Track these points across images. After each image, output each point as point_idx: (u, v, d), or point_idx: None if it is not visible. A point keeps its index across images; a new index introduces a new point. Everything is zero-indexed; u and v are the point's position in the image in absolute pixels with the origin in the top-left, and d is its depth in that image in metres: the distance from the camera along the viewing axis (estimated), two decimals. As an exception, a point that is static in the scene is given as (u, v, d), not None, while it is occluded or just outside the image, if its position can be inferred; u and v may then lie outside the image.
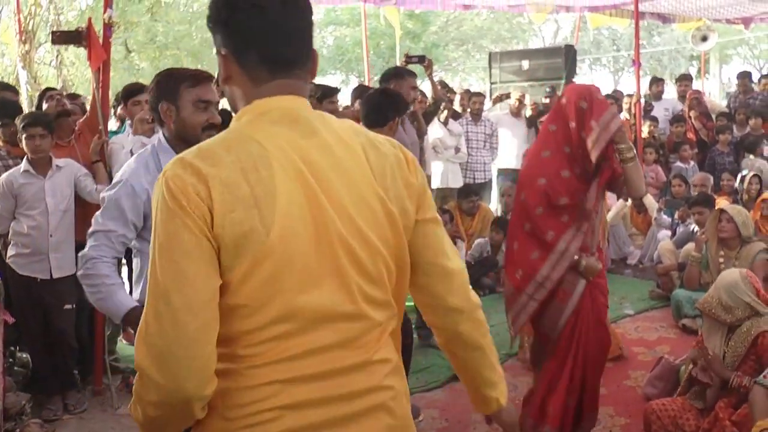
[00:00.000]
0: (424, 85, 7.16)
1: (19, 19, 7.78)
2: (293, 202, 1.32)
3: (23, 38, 8.15)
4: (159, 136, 2.69)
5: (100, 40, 4.35)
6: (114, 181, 2.64)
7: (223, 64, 1.44)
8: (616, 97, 9.18)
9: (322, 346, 1.34)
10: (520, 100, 8.18)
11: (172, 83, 2.55)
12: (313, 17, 1.49)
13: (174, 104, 2.54)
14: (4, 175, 4.21)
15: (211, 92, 2.59)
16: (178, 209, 1.27)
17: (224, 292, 1.30)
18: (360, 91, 5.83)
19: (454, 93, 8.24)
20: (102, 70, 4.38)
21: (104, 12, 4.40)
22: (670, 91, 10.43)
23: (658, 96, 9.14)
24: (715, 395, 3.32)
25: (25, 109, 7.29)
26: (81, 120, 4.84)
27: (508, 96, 8.44)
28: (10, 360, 4.44)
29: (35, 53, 10.90)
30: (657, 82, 9.35)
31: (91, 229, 2.52)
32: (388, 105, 3.80)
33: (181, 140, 2.53)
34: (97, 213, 2.54)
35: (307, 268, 1.33)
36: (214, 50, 1.46)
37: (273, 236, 1.29)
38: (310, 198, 1.34)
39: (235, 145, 1.33)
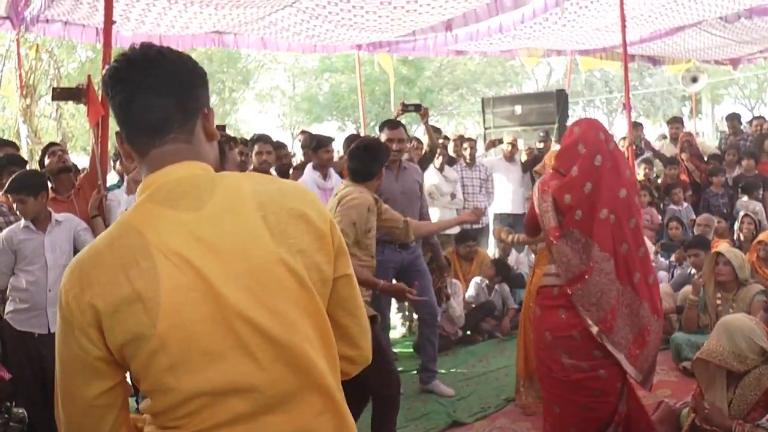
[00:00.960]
0: (419, 132, 7.24)
1: (20, 74, 7.87)
2: (179, 287, 1.32)
3: (24, 93, 8.22)
4: None
5: (99, 96, 4.42)
6: None
7: (119, 143, 1.48)
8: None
9: (238, 415, 1.36)
10: (513, 144, 8.27)
11: None
12: (196, 73, 1.47)
13: None
14: (5, 231, 4.24)
15: None
16: (65, 324, 1.38)
17: (138, 380, 1.38)
18: (351, 141, 5.92)
19: (447, 139, 8.32)
20: (101, 125, 4.44)
21: (102, 68, 4.48)
22: (653, 133, 10.54)
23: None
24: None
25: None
26: (81, 175, 4.89)
27: (501, 141, 8.52)
28: (6, 416, 4.39)
29: (36, 106, 10.99)
30: (636, 127, 9.46)
31: None
32: (370, 159, 3.87)
33: None
34: None
35: (209, 346, 1.33)
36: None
37: (161, 327, 1.31)
38: (198, 279, 1.33)
39: (116, 240, 1.36)
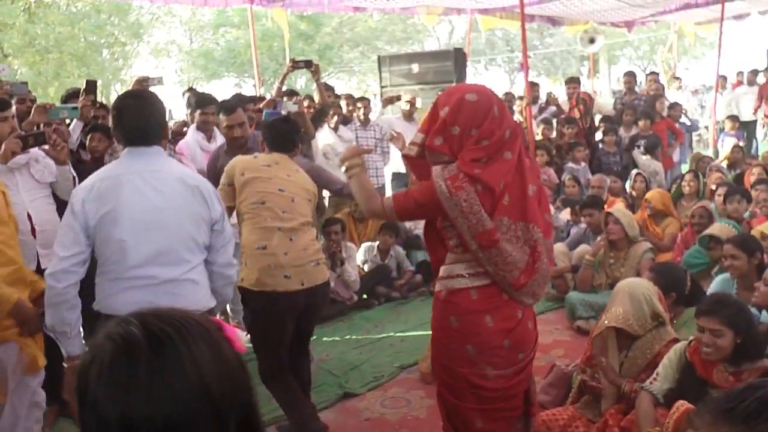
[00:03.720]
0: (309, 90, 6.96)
1: None
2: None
3: None
4: None
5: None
6: None
7: None
8: (508, 99, 9.26)
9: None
10: (412, 103, 8.09)
11: None
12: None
13: None
14: None
15: None
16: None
17: None
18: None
19: (339, 98, 8.05)
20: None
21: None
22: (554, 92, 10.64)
23: (534, 101, 9.26)
24: (608, 406, 3.27)
25: None
26: None
27: (398, 98, 8.31)
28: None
29: None
30: (533, 86, 9.50)
31: None
32: (294, 132, 3.97)
33: None
34: None
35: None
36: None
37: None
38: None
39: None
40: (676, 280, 3.90)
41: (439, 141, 2.59)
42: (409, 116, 8.13)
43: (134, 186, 2.60)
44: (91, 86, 4.99)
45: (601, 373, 3.37)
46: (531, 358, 2.75)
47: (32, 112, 4.53)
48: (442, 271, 2.72)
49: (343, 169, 2.84)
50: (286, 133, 3.94)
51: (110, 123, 4.67)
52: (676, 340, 3.27)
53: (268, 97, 6.62)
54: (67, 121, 4.71)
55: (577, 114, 8.94)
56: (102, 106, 5.57)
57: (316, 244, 3.75)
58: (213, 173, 4.27)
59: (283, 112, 5.28)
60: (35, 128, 4.19)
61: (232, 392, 1.05)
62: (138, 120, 2.66)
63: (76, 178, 4.09)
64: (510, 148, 2.60)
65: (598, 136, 9.05)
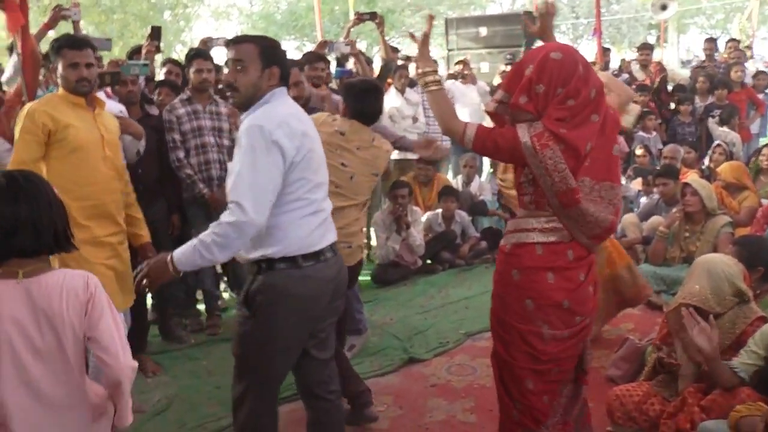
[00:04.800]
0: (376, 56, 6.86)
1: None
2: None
3: (-52, 0, 7.52)
4: None
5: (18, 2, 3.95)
6: None
7: None
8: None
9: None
10: (465, 63, 7.97)
11: None
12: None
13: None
14: None
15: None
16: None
17: None
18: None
19: (409, 59, 7.95)
20: (21, 36, 3.98)
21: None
22: (615, 61, 10.27)
23: (605, 67, 8.95)
24: (686, 385, 3.14)
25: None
26: (12, 91, 4.45)
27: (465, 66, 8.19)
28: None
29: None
30: (604, 52, 9.17)
31: None
32: (379, 103, 3.77)
33: None
34: None
35: None
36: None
37: None
38: None
39: None
40: (763, 254, 3.72)
41: (524, 99, 2.56)
42: (464, 79, 8.02)
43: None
44: (156, 32, 5.08)
45: (682, 350, 3.24)
46: (588, 323, 2.73)
47: (105, 67, 4.60)
48: (510, 225, 2.76)
49: (419, 80, 2.79)
50: (371, 104, 3.68)
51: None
52: (763, 319, 3.11)
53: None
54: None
55: (648, 82, 8.60)
56: (175, 62, 5.60)
57: (354, 226, 3.61)
58: None
59: (335, 55, 5.19)
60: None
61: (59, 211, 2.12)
62: None
63: (141, 153, 4.26)
64: (596, 110, 2.57)
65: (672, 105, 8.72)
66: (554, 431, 2.75)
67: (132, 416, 2.18)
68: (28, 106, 3.37)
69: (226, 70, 2.75)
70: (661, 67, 8.96)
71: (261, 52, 2.59)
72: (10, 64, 4.66)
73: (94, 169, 3.35)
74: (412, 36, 2.88)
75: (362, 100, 3.66)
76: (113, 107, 4.13)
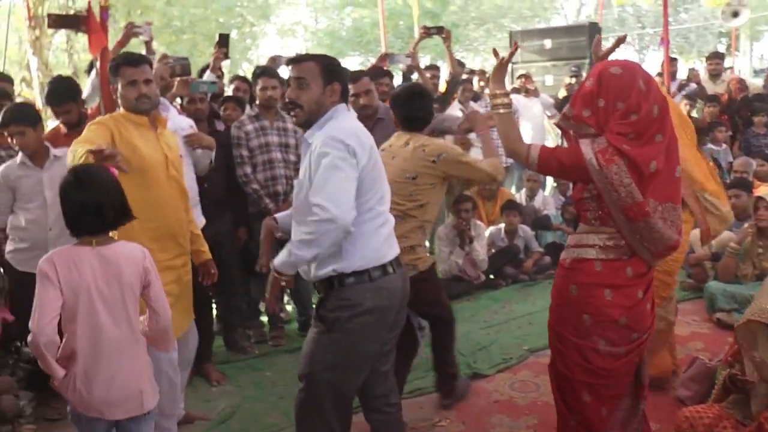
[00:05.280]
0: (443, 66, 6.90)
1: (27, 5, 7.59)
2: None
3: (32, 24, 7.94)
4: None
5: (100, 25, 4.15)
6: None
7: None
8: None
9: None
10: (527, 77, 7.91)
11: None
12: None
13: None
14: (1, 167, 4.05)
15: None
16: None
17: None
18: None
19: (473, 73, 7.97)
20: (101, 57, 4.17)
21: (104, -6, 4.19)
22: (682, 71, 9.98)
23: (672, 76, 8.72)
24: (760, 406, 3.03)
25: (37, 97, 7.13)
26: (94, 108, 4.66)
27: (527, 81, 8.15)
28: (15, 356, 4.31)
29: (50, 39, 10.71)
30: (672, 62, 8.93)
31: None
32: (421, 106, 3.70)
33: None
34: None
35: None
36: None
37: None
38: None
39: None
40: None
41: (586, 113, 2.60)
42: (526, 93, 7.99)
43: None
44: (224, 39, 5.18)
45: (754, 369, 3.13)
46: (645, 339, 2.74)
47: (175, 85, 4.75)
48: (571, 239, 2.79)
49: (491, 101, 2.84)
50: (415, 109, 3.65)
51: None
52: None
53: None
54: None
55: (726, 96, 8.31)
56: (243, 79, 5.75)
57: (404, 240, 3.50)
58: None
59: (397, 67, 5.21)
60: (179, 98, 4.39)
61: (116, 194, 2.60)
62: None
63: (213, 161, 4.36)
64: (660, 129, 2.58)
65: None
66: None
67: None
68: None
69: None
70: (742, 85, 8.61)
71: (322, 70, 2.66)
72: (89, 82, 4.86)
73: (158, 190, 3.29)
74: (495, 53, 2.90)
75: (407, 106, 3.66)
76: (183, 122, 4.26)
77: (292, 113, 2.73)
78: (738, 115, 8.20)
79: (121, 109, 3.37)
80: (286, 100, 2.74)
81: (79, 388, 2.55)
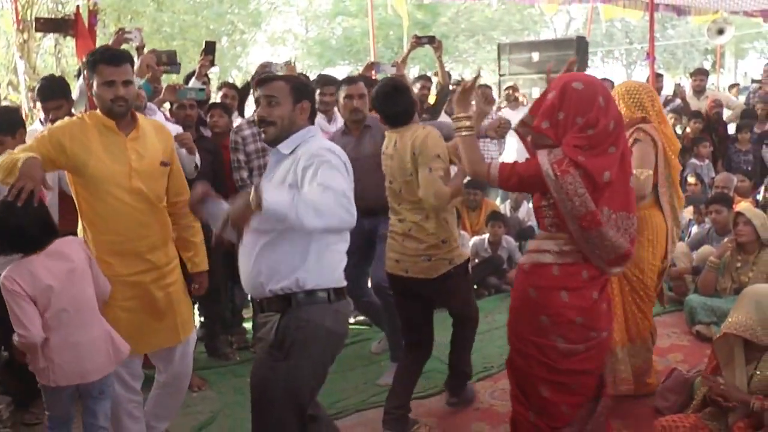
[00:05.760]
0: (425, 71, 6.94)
1: (15, 8, 7.59)
2: None
3: (20, 27, 7.93)
4: None
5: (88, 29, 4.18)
6: None
7: None
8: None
9: None
10: (514, 89, 8.00)
11: None
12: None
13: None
14: None
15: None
16: None
17: None
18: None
19: (460, 83, 8.02)
20: (88, 60, 4.18)
21: (90, -1, 4.22)
22: (668, 87, 10.07)
23: (657, 92, 8.79)
24: (736, 417, 3.07)
25: (24, 100, 7.12)
26: (82, 111, 4.66)
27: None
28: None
29: (39, 42, 10.68)
30: (657, 78, 9.04)
31: None
32: (401, 99, 3.66)
33: None
34: None
35: None
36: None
37: None
38: None
39: None
40: None
41: (546, 124, 2.72)
42: (511, 105, 8.09)
43: None
44: (210, 47, 5.20)
45: (726, 395, 3.15)
46: (604, 338, 2.88)
47: (163, 91, 4.77)
48: (531, 245, 2.95)
49: (454, 123, 2.92)
50: (391, 106, 3.62)
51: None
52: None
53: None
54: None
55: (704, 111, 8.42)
56: (231, 86, 5.76)
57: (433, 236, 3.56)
58: None
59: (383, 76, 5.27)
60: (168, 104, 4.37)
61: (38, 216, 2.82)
62: None
63: (198, 166, 4.33)
64: (614, 142, 2.71)
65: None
66: None
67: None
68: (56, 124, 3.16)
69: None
70: (716, 103, 8.72)
71: (291, 89, 2.68)
72: (77, 87, 4.86)
73: (114, 202, 3.00)
74: (477, 77, 3.05)
75: (385, 104, 3.65)
76: (171, 128, 4.27)
77: (262, 130, 2.69)
78: (715, 133, 8.30)
79: (93, 110, 3.13)
80: (257, 118, 2.72)
81: (57, 362, 2.83)
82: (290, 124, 2.67)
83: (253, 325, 5.17)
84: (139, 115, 3.16)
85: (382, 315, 4.80)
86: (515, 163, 2.81)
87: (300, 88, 2.73)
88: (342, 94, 4.42)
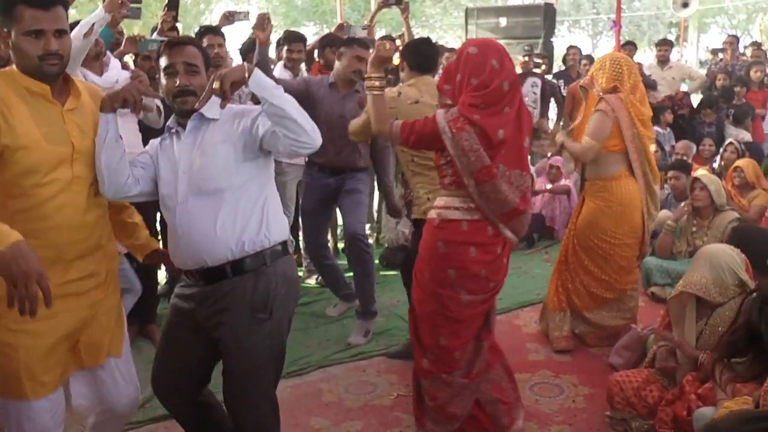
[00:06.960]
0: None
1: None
2: None
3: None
4: None
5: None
6: None
7: None
8: (591, 60, 8.99)
9: None
10: None
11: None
12: None
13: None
14: None
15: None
16: None
17: None
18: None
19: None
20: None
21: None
22: (638, 56, 10.17)
23: None
24: (684, 372, 3.19)
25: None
26: None
27: None
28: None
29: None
30: (630, 46, 9.11)
31: None
32: (437, 54, 4.03)
33: None
34: None
35: None
36: None
37: None
38: None
39: None
40: (754, 245, 3.69)
41: (447, 86, 2.95)
42: None
43: None
44: (174, 2, 5.06)
45: (678, 347, 3.27)
46: (498, 289, 3.12)
47: (123, 43, 4.67)
48: (439, 201, 3.04)
49: (366, 83, 3.07)
50: (427, 54, 3.85)
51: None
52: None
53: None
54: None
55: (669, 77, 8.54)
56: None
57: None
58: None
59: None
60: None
61: None
62: None
63: (162, 110, 4.22)
64: (509, 102, 2.89)
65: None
66: (459, 378, 3.07)
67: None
68: None
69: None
70: (688, 99, 8.80)
71: (204, 56, 2.55)
72: None
73: (46, 198, 2.21)
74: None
75: (420, 52, 3.83)
76: (122, 75, 4.15)
77: (181, 100, 2.45)
78: (679, 108, 8.42)
79: (14, 67, 2.25)
80: (178, 87, 2.44)
81: None
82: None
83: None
84: (72, 77, 2.38)
85: (340, 281, 4.87)
86: (415, 121, 2.96)
87: (205, 53, 2.58)
88: (352, 53, 4.34)
